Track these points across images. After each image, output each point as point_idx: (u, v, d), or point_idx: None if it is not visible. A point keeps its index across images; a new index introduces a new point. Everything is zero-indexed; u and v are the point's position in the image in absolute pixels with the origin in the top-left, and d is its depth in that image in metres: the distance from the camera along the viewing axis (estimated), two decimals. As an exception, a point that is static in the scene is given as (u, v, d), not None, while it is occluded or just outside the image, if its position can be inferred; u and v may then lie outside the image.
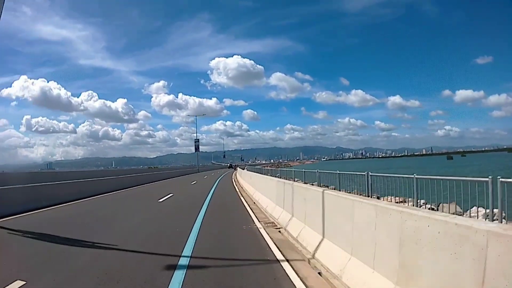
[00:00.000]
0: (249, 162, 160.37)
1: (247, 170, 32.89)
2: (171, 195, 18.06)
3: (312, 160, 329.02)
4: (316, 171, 10.49)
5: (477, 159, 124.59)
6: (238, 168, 55.83)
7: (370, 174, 7.46)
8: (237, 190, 21.37)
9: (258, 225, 9.25)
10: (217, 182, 30.09)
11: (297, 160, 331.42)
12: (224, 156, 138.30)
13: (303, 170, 13.38)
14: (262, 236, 7.95)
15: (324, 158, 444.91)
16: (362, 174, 7.69)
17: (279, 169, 25.55)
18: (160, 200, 15.76)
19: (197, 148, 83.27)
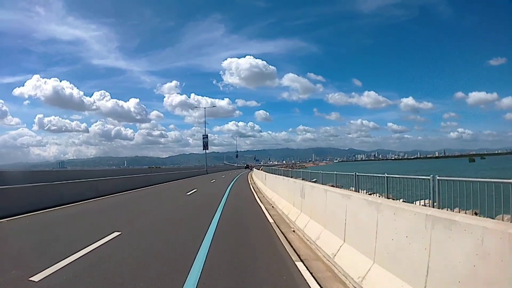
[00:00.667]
0: (262, 162, 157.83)
1: (263, 170, 31.45)
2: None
3: (325, 161, 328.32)
4: (334, 173, 10.57)
5: (498, 161, 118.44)
6: (254, 168, 55.36)
7: (386, 175, 7.58)
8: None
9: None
10: (226, 195, 17.24)
11: (309, 161, 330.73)
12: (236, 156, 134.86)
13: (320, 171, 13.54)
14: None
15: (336, 160, 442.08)
16: (381, 176, 7.82)
17: (297, 170, 23.23)
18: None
19: (205, 146, 72.39)
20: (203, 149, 72.94)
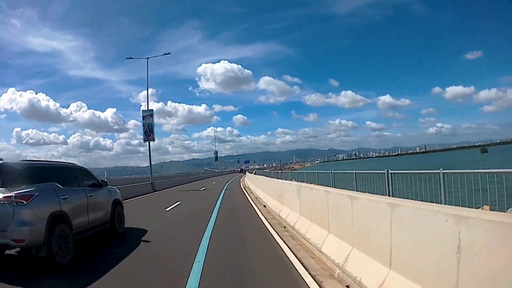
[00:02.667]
0: (243, 166, 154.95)
1: (256, 174, 34.40)
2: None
3: (310, 162, 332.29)
4: (330, 171, 10.36)
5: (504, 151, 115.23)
6: (247, 172, 54.99)
7: (391, 171, 7.37)
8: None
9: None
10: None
11: (290, 163, 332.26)
12: (216, 159, 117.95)
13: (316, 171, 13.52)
14: None
15: (317, 161, 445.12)
16: (381, 173, 7.60)
17: (292, 171, 26.57)
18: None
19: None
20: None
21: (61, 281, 5.59)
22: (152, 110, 34.66)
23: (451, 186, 5.72)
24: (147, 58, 28.58)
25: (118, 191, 10.28)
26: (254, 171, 49.70)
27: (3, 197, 5.76)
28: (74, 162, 9.35)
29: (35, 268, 6.13)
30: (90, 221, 7.83)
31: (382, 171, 7.51)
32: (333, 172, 10.24)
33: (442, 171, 5.84)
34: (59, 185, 6.89)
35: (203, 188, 31.55)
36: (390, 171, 7.33)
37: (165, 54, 33.14)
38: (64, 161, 9.32)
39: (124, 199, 11.52)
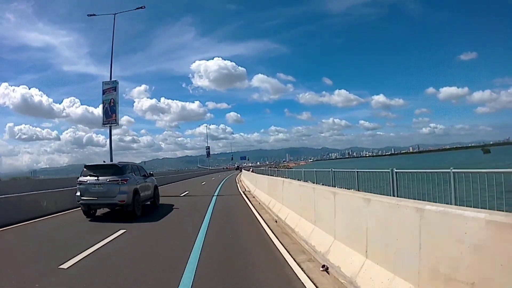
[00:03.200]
0: (236, 164, 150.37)
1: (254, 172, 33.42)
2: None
3: (305, 161, 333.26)
4: (331, 170, 10.03)
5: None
6: (243, 170, 54.38)
7: (396, 170, 7.04)
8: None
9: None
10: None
11: (283, 161, 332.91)
12: (208, 155, 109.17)
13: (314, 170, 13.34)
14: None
15: (310, 159, 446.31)
16: (385, 172, 7.27)
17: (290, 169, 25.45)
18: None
19: (208, 154, 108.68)
20: (207, 157, 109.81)
21: (138, 221, 10.75)
22: (116, 82, 23.50)
23: (462, 185, 5.46)
24: (114, 14, 25.99)
25: (155, 180, 15.31)
26: (251, 169, 48.34)
27: (115, 179, 11.09)
28: (128, 161, 14.54)
29: (125, 217, 11.25)
30: (145, 196, 13.15)
31: (386, 170, 7.20)
32: (334, 171, 9.88)
33: (453, 170, 5.58)
34: (134, 175, 12.43)
35: (186, 193, 21.87)
36: (395, 170, 7.03)
37: (138, 8, 27.61)
38: (134, 162, 15.30)
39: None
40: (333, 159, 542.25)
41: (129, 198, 11.11)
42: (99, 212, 12.22)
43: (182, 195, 20.37)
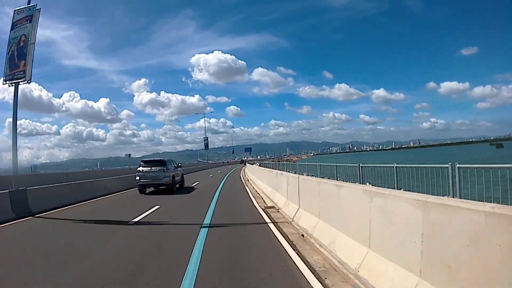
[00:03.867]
0: (240, 158, 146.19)
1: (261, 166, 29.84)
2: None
3: (306, 155, 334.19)
4: (334, 164, 10.09)
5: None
6: (247, 164, 52.68)
7: (396, 165, 7.11)
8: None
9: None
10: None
11: (284, 155, 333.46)
12: (205, 147, 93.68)
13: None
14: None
15: (311, 153, 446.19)
16: (389, 166, 7.34)
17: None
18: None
19: (206, 146, 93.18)
20: (205, 149, 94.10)
21: (174, 194, 17.20)
22: (35, 7, 12.66)
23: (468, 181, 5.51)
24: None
25: (182, 170, 21.73)
26: (259, 163, 43.78)
27: (161, 168, 17.57)
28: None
29: (168, 191, 17.60)
30: (177, 180, 19.19)
31: (390, 165, 7.28)
32: (337, 165, 9.95)
33: (458, 165, 5.64)
34: (171, 165, 18.77)
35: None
36: (395, 165, 7.11)
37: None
38: (170, 159, 20.87)
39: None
40: (334, 153, 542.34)
41: (170, 180, 17.80)
42: (147, 191, 18.50)
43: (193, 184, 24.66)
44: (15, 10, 13.01)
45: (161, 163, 18.25)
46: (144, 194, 17.52)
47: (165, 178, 17.60)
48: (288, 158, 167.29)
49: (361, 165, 9.46)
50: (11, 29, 13.05)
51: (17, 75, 12.52)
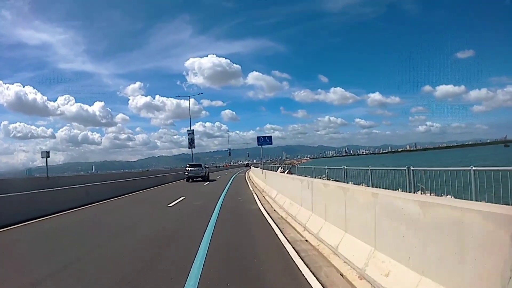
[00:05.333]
0: (232, 162, 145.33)
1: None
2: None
3: (306, 159, 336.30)
4: (343, 167, 10.05)
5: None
6: (252, 167, 53.01)
7: (413, 168, 7.09)
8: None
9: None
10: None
11: (280, 158, 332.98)
12: (190, 145, 64.42)
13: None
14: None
15: (307, 157, 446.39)
16: (402, 169, 7.31)
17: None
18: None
19: (191, 143, 64.41)
20: (189, 147, 64.40)
21: (205, 182, 31.39)
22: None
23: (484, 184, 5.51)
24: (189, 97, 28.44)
25: (208, 169, 39.82)
26: (287, 169, 34.19)
27: (200, 168, 34.60)
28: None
29: (202, 181, 32.57)
30: (206, 174, 35.37)
31: (403, 168, 7.26)
32: (346, 168, 9.92)
33: (473, 168, 5.64)
34: (203, 166, 35.84)
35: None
36: (412, 168, 7.09)
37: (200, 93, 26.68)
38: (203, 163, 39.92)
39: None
40: (330, 157, 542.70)
41: (204, 174, 33.92)
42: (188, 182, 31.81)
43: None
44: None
45: (199, 165, 35.36)
46: (188, 182, 32.29)
47: (201, 173, 33.81)
48: (291, 162, 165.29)
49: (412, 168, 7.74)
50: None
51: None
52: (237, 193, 19.33)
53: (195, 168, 33.75)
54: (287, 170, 26.42)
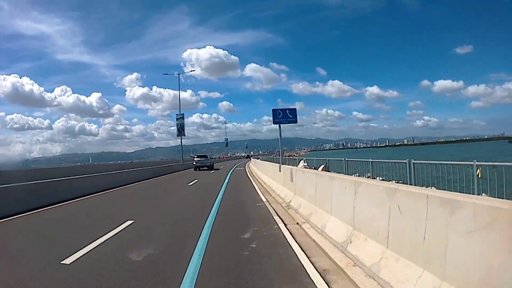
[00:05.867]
0: (229, 153, 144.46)
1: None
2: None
3: (304, 151, 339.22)
4: (344, 159, 10.01)
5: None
6: (252, 158, 55.88)
7: (414, 161, 7.02)
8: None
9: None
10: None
11: (276, 151, 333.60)
12: (179, 132, 64.02)
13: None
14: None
15: (305, 150, 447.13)
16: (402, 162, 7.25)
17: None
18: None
19: (180, 130, 53.65)
20: (178, 135, 53.76)
21: (211, 170, 37.42)
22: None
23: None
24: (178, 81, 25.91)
25: (212, 160, 45.81)
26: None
27: (206, 158, 40.90)
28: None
29: (208, 170, 37.59)
30: (212, 164, 41.18)
31: (404, 161, 7.20)
32: (347, 160, 9.88)
33: (476, 163, 5.59)
34: (209, 157, 42.48)
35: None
36: (413, 161, 7.02)
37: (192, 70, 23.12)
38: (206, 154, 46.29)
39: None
40: (327, 149, 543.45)
41: (210, 163, 40.00)
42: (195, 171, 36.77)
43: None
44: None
45: (205, 156, 41.71)
46: (196, 171, 36.29)
47: (207, 163, 39.39)
48: (290, 154, 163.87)
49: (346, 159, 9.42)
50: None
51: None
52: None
53: (201, 158, 40.05)
54: (322, 166, 14.12)
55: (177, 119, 54.58)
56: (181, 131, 53.73)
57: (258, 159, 41.45)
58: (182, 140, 54.71)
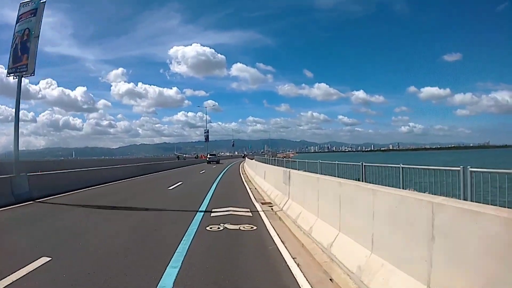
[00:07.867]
0: (207, 153, 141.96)
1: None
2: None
3: (292, 152, 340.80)
4: (336, 162, 10.06)
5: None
6: (246, 158, 63.24)
7: (402, 166, 7.10)
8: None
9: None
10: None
11: (261, 152, 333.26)
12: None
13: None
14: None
15: (290, 151, 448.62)
16: (395, 166, 7.32)
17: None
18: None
19: (206, 138, 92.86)
20: (205, 141, 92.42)
21: (215, 164, 54.83)
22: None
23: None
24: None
25: (220, 157, 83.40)
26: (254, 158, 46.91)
27: (215, 156, 72.65)
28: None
29: (214, 164, 55.32)
30: (219, 160, 68.08)
31: (396, 165, 7.27)
32: (338, 163, 9.95)
33: (470, 169, 5.64)
34: (216, 156, 78.52)
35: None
36: (402, 165, 7.10)
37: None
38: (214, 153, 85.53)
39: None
40: (313, 152, 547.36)
41: (218, 159, 68.03)
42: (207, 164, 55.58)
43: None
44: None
45: (214, 155, 73.15)
46: (208, 164, 56.22)
47: (215, 159, 63.99)
48: (285, 154, 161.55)
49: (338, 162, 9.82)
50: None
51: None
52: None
53: (212, 156, 68.71)
54: (246, 156, 50.00)
55: (204, 132, 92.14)
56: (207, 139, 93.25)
57: (252, 159, 40.34)
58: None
